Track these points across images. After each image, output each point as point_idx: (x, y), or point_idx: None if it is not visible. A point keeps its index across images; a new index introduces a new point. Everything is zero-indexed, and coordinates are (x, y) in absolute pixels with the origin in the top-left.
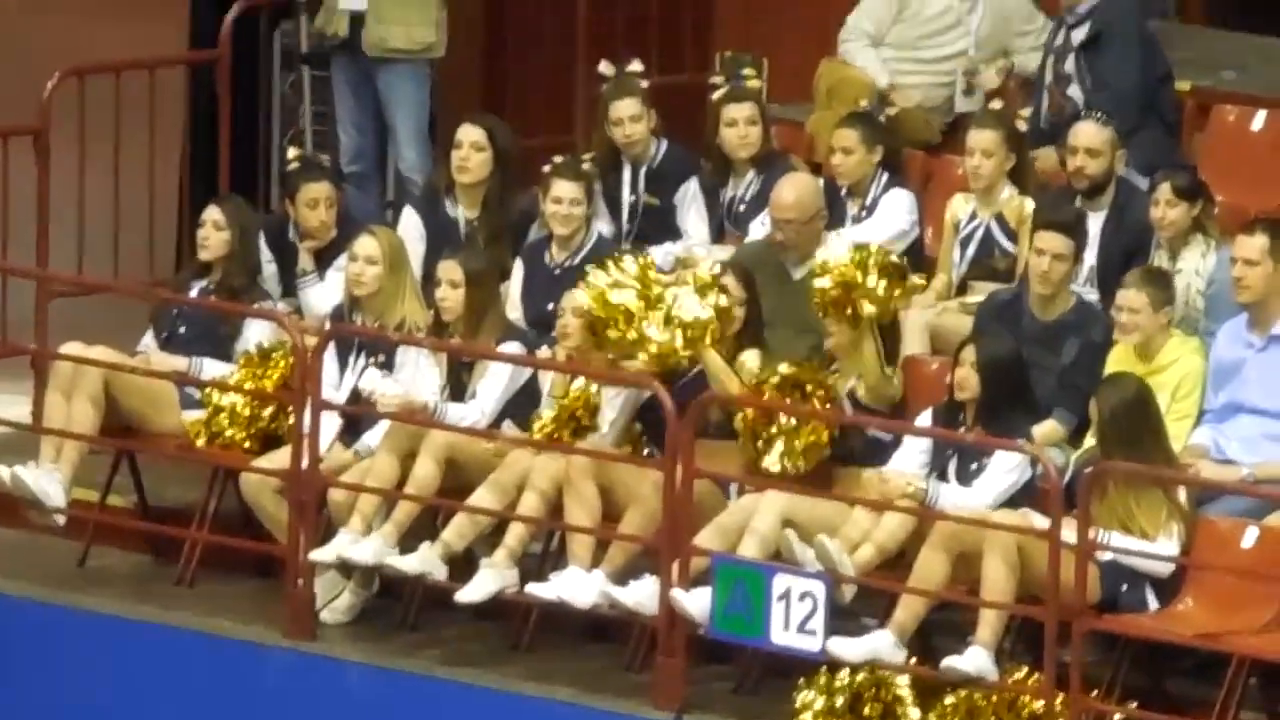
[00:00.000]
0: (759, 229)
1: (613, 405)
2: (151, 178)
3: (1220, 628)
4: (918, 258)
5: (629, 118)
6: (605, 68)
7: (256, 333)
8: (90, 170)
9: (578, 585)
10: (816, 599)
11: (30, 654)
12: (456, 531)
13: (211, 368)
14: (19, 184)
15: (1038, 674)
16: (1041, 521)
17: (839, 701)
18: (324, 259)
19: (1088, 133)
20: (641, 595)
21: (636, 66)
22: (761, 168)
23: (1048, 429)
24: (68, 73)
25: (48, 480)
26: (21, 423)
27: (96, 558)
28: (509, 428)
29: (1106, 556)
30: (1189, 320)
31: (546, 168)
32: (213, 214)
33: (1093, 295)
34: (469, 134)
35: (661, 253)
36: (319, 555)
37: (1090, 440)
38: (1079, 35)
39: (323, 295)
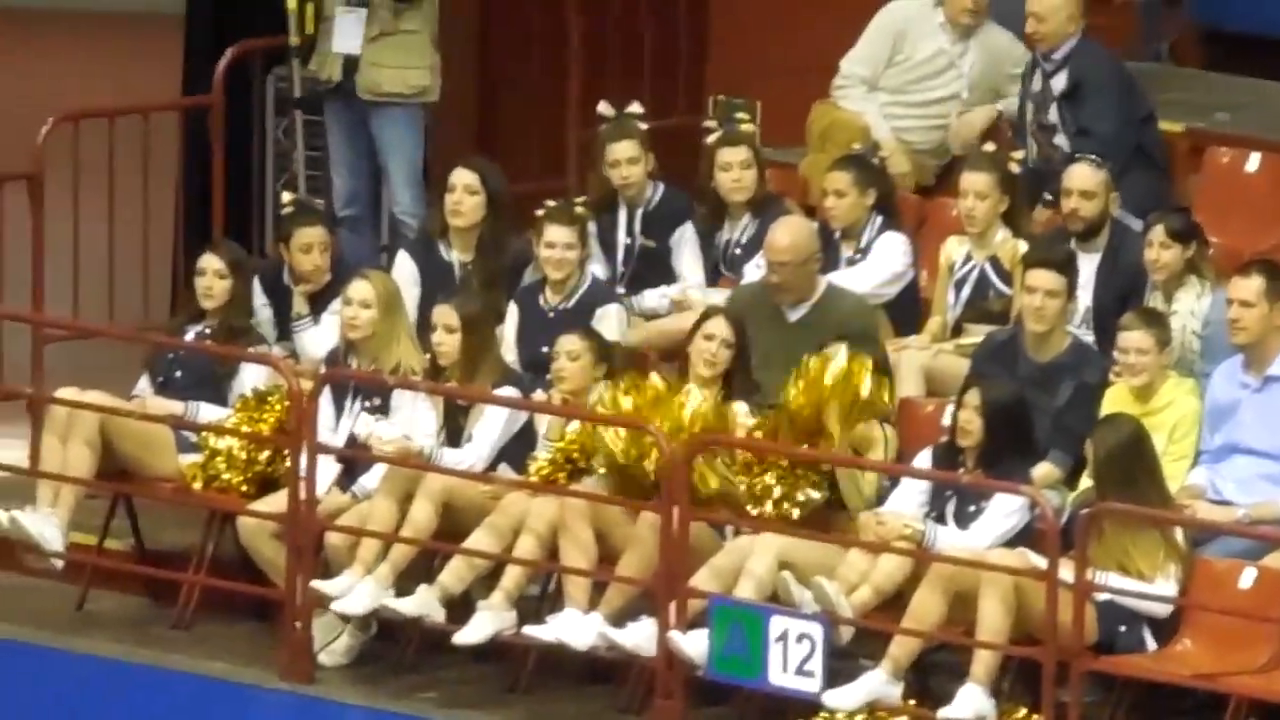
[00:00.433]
0: (754, 272)
1: None
2: (146, 222)
3: (1218, 668)
4: (913, 300)
5: (627, 160)
6: (604, 108)
7: (252, 377)
8: (85, 215)
9: (575, 627)
10: (814, 640)
11: (28, 698)
12: (454, 574)
13: (208, 412)
14: (14, 229)
15: (1036, 715)
16: (1039, 562)
17: None
18: (319, 303)
19: (1082, 175)
20: (639, 637)
21: (636, 109)
22: (756, 211)
23: (1044, 471)
24: (62, 118)
25: (45, 524)
26: (18, 466)
27: (94, 601)
28: (505, 471)
29: (1104, 597)
30: (1184, 362)
31: (539, 212)
32: (213, 263)
33: (1088, 337)
34: (462, 177)
35: (657, 296)
36: (321, 585)
37: (1086, 481)
38: (1059, 84)
39: (318, 339)
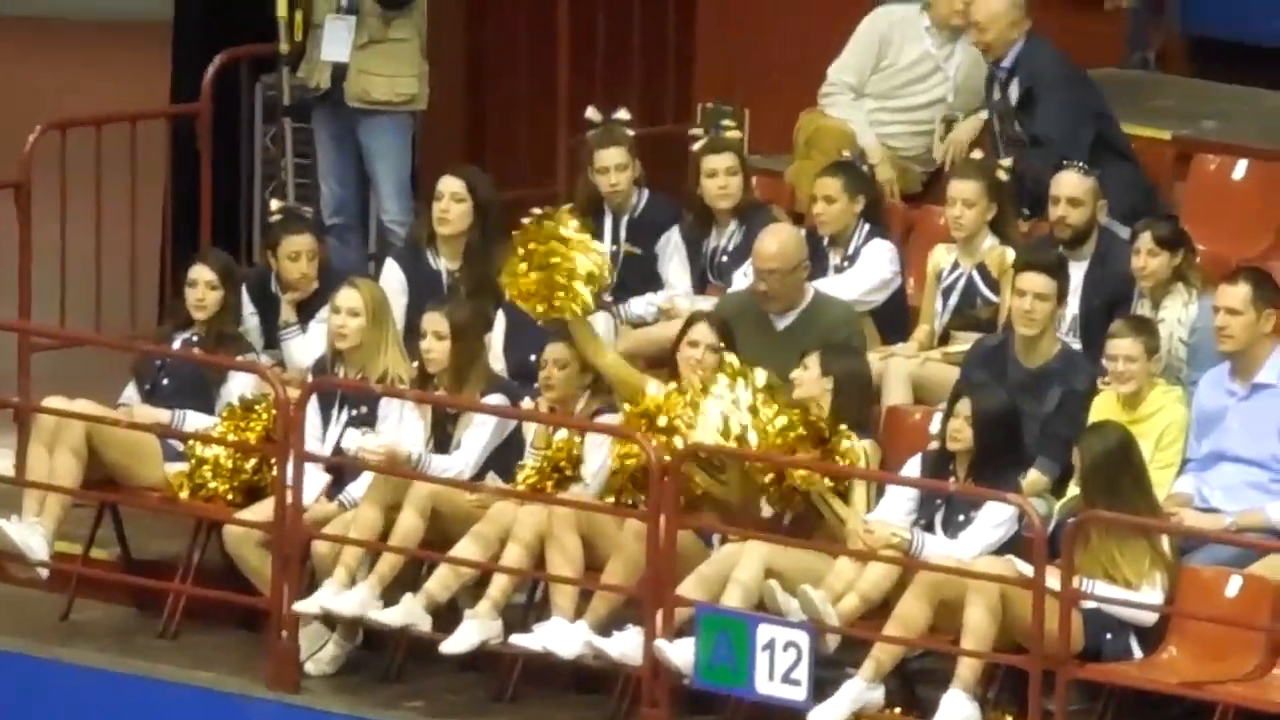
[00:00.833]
0: (743, 280)
1: (596, 456)
2: (133, 230)
3: (1204, 676)
4: (900, 308)
5: (614, 167)
6: (592, 113)
7: (239, 384)
8: (72, 223)
9: (562, 636)
10: (801, 649)
11: (14, 708)
12: (440, 582)
13: (195, 420)
14: (0, 237)
15: None
16: (1025, 570)
17: None
18: (306, 311)
19: (1070, 182)
20: (626, 646)
21: (623, 115)
22: (743, 218)
23: (1031, 478)
24: (49, 126)
25: (31, 534)
26: (5, 476)
27: (80, 611)
28: (492, 479)
29: (1090, 605)
30: (1171, 369)
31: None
32: (205, 274)
33: (1076, 344)
34: (449, 185)
35: (643, 303)
36: (303, 607)
37: (1074, 489)
38: (1013, 94)
39: (305, 347)
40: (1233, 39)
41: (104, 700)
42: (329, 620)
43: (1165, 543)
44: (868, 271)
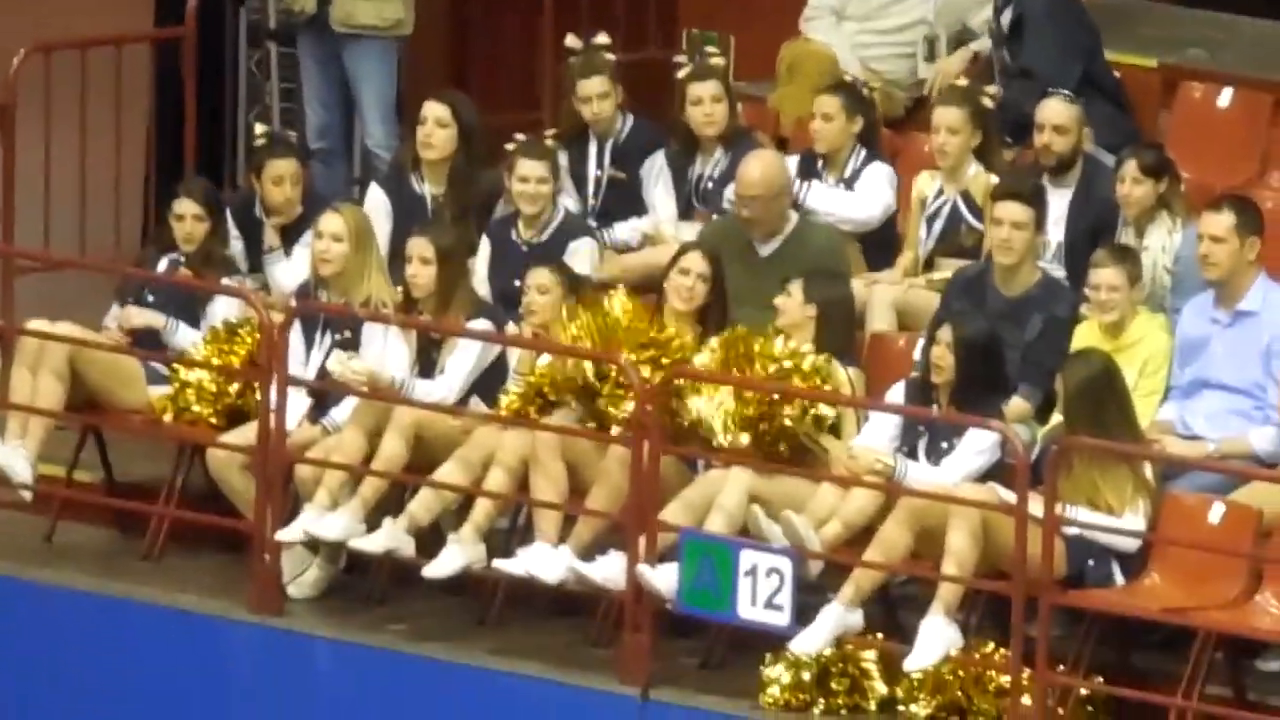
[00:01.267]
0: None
1: None
2: (118, 154)
3: (1186, 602)
4: (888, 234)
5: (596, 96)
6: (572, 41)
7: (224, 307)
8: (56, 146)
9: (545, 561)
10: (783, 575)
11: None
12: (423, 505)
13: (186, 333)
14: None
15: (1004, 649)
16: (1008, 497)
17: (805, 676)
18: (290, 235)
19: (1055, 109)
20: (608, 571)
21: (603, 39)
22: (728, 145)
23: (1014, 405)
24: (34, 49)
25: (14, 456)
26: None
27: (63, 533)
28: (476, 404)
29: (1073, 532)
30: (1155, 297)
31: (510, 146)
32: (191, 208)
33: (1059, 272)
34: (433, 110)
35: (629, 229)
36: (285, 535)
37: (1057, 416)
38: (1006, 21)
39: (289, 272)
40: None
41: (86, 622)
42: (312, 544)
43: (1148, 469)
44: (871, 195)
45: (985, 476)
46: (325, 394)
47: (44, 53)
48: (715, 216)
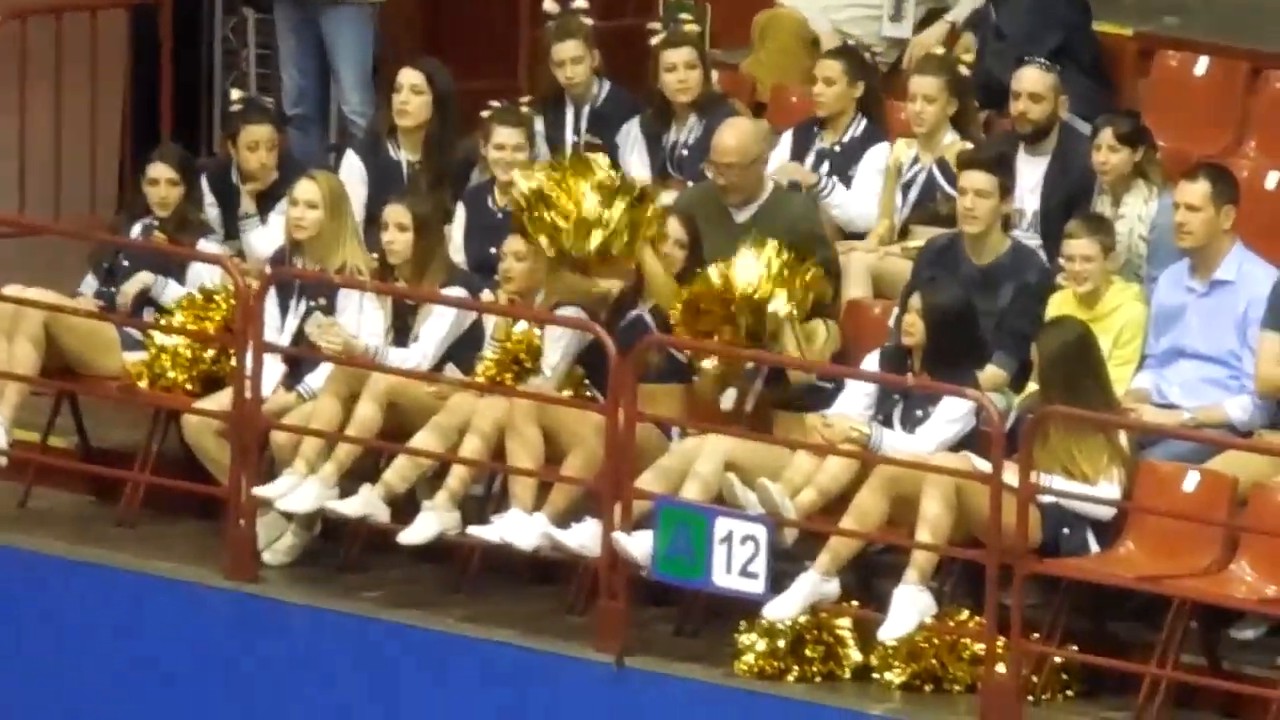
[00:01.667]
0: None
1: (555, 348)
2: (93, 119)
3: (1161, 571)
4: None
5: (570, 60)
6: (549, 6)
7: (199, 273)
8: (31, 112)
9: (520, 527)
10: (758, 542)
11: None
12: (398, 473)
13: (175, 289)
14: None
15: (979, 617)
16: (983, 465)
17: (780, 643)
18: (266, 202)
19: (1031, 77)
20: (583, 537)
21: (581, 3)
22: (703, 112)
23: (989, 373)
24: (9, 14)
25: None
26: None
27: (38, 499)
28: (451, 371)
29: (1048, 500)
30: (1131, 266)
31: (485, 113)
32: (165, 173)
33: (1035, 241)
34: (408, 77)
35: None
36: (263, 491)
37: (1032, 384)
38: None
39: (265, 238)
40: None
41: (61, 588)
42: (287, 510)
43: (1123, 438)
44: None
45: (960, 444)
46: (300, 360)
47: (19, 18)
48: (690, 183)
